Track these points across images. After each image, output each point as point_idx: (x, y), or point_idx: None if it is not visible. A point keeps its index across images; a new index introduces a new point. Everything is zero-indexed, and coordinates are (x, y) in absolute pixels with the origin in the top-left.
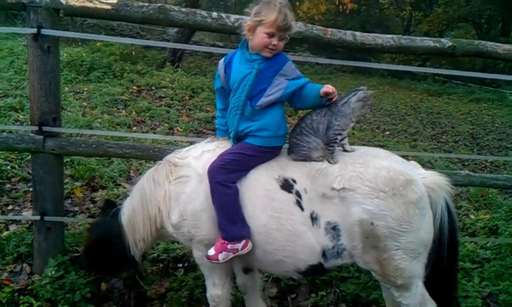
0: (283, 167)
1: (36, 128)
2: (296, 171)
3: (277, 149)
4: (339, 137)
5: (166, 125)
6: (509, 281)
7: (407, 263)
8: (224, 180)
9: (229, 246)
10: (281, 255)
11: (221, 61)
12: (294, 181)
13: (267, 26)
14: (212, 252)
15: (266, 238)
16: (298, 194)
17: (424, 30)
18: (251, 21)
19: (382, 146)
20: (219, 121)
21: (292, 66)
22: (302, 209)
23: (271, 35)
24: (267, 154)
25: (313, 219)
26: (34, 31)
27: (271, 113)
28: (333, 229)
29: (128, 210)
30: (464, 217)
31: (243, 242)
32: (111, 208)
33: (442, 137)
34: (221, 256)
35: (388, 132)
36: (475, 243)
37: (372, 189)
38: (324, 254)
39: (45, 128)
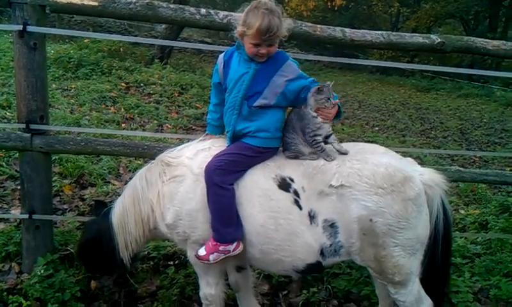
0: (280, 166)
1: (24, 126)
2: (293, 169)
3: (274, 150)
4: (318, 138)
5: (155, 121)
6: (499, 276)
7: (405, 260)
8: (222, 182)
9: (221, 248)
10: (279, 254)
11: (221, 56)
12: (292, 180)
13: (251, 37)
14: (202, 252)
15: (264, 238)
16: (296, 193)
17: (412, 26)
18: (239, 28)
19: (372, 142)
20: (212, 115)
21: (293, 66)
22: (300, 208)
23: (256, 45)
24: (264, 154)
25: (311, 217)
26: (20, 27)
27: (269, 114)
28: (331, 227)
29: (119, 210)
30: (454, 212)
31: (235, 243)
32: (102, 208)
33: (431, 133)
34: (212, 257)
35: (377, 128)
36: (466, 238)
37: (371, 186)
38: (322, 253)
39: (33, 126)
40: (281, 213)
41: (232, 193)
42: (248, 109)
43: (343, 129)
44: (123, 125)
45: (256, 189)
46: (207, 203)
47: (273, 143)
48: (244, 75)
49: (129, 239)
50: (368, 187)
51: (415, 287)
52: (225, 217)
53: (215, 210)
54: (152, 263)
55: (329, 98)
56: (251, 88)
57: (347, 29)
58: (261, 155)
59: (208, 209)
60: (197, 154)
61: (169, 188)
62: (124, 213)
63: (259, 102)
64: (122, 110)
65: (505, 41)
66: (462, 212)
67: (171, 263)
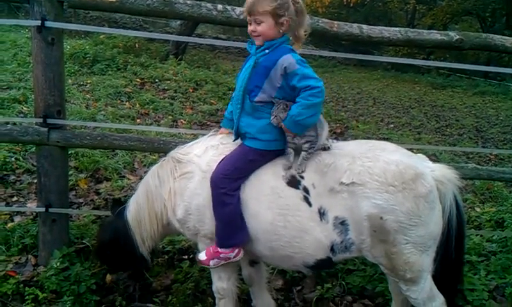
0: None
1: (41, 120)
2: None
3: (279, 151)
4: (310, 150)
5: (170, 117)
6: None
7: (416, 257)
8: (229, 190)
9: (222, 255)
10: (289, 251)
11: None
12: (302, 177)
13: (244, 16)
14: (203, 257)
15: (273, 235)
16: (306, 190)
17: (428, 23)
18: None
19: (386, 139)
20: (229, 108)
21: (290, 60)
22: (310, 205)
23: (249, 23)
24: (269, 157)
25: (321, 214)
26: (38, 23)
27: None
28: (341, 224)
29: (134, 208)
30: (470, 209)
31: (236, 250)
32: (118, 207)
33: (446, 130)
34: (212, 263)
35: (392, 125)
36: (481, 236)
37: (382, 183)
38: (332, 249)
39: (50, 121)
40: (290, 210)
41: (237, 199)
42: (250, 104)
43: (358, 126)
44: (138, 120)
45: (265, 187)
46: (213, 210)
47: (277, 145)
48: (247, 68)
49: (145, 235)
50: (379, 184)
51: (427, 284)
52: (231, 223)
53: (221, 217)
54: (166, 257)
55: (275, 116)
56: (251, 82)
57: (364, 26)
58: (265, 157)
59: (214, 216)
60: (206, 151)
61: (179, 184)
62: (139, 211)
63: (259, 96)
64: (137, 105)
65: None
66: (478, 209)
67: (186, 257)
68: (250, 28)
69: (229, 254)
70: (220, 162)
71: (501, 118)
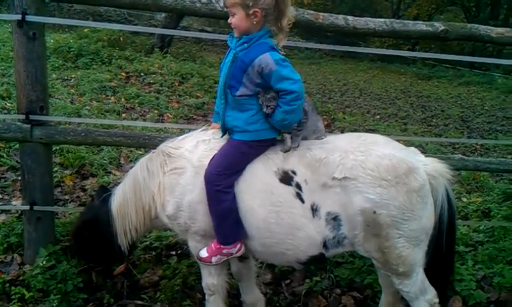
0: (283, 159)
1: (23, 117)
2: (295, 162)
3: (271, 140)
4: (299, 127)
5: (156, 111)
6: (502, 264)
7: (409, 251)
8: (224, 187)
9: (224, 251)
10: (281, 248)
11: None
12: (294, 173)
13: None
14: (204, 254)
15: (266, 232)
16: (298, 186)
17: (413, 14)
18: None
19: (373, 131)
20: (217, 102)
21: (267, 59)
22: (302, 201)
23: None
24: (260, 148)
25: (314, 210)
26: (19, 17)
27: (257, 104)
28: (334, 220)
29: (119, 198)
30: (456, 200)
31: (238, 245)
32: (104, 193)
33: (432, 121)
34: (214, 259)
35: (378, 116)
36: (468, 226)
37: (375, 178)
38: (325, 245)
39: (33, 117)
40: (283, 207)
41: (233, 195)
42: (233, 98)
43: (344, 118)
44: (123, 114)
45: (258, 183)
46: (209, 208)
47: (266, 134)
48: (227, 62)
49: (129, 227)
50: (372, 179)
51: (419, 277)
52: (229, 220)
53: (218, 214)
54: (154, 253)
55: (267, 106)
56: (232, 77)
57: (349, 17)
58: (257, 149)
59: (210, 214)
60: (197, 146)
61: (170, 179)
62: (125, 201)
63: (241, 90)
64: (122, 100)
65: (508, 28)
66: (464, 200)
67: (174, 253)
68: (229, 20)
69: (231, 250)
70: (212, 159)
71: (486, 107)
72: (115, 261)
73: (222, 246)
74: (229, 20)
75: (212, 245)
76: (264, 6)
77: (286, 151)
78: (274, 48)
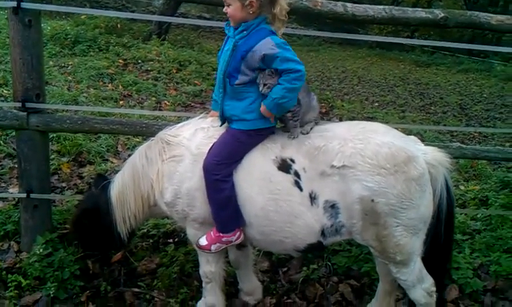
0: (281, 147)
1: (20, 104)
2: (294, 150)
3: (270, 129)
4: (295, 118)
5: (154, 98)
6: (499, 252)
7: (407, 240)
8: (223, 176)
9: (224, 239)
10: (280, 236)
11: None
12: (293, 161)
13: None
14: (204, 242)
15: (264, 220)
16: (297, 174)
17: (413, 1)
18: None
19: (372, 118)
20: (215, 90)
21: (270, 43)
22: (301, 189)
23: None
24: (258, 137)
25: (312, 198)
26: (14, 4)
27: (255, 92)
28: (332, 208)
29: (118, 185)
30: (454, 188)
31: (237, 233)
32: (102, 181)
33: (431, 108)
34: (213, 247)
35: (376, 104)
36: (466, 214)
37: (373, 166)
38: (323, 233)
39: (29, 105)
40: (282, 195)
41: (232, 184)
42: (231, 87)
43: (343, 105)
44: (121, 102)
45: (256, 172)
46: (207, 197)
47: (266, 123)
48: (226, 51)
49: (128, 215)
50: (370, 167)
51: (417, 266)
52: (228, 208)
53: (217, 203)
54: (151, 240)
55: (264, 84)
56: (231, 65)
57: (348, 4)
58: (255, 138)
59: (209, 203)
60: (195, 134)
61: (168, 167)
62: (124, 189)
63: (239, 79)
64: (120, 87)
65: (508, 15)
66: (462, 188)
67: (171, 240)
68: (224, 9)
69: (231, 238)
70: (211, 148)
71: (484, 95)
72: (114, 249)
73: (221, 234)
74: (224, 10)
75: (212, 233)
76: None
77: (293, 137)
78: (274, 32)
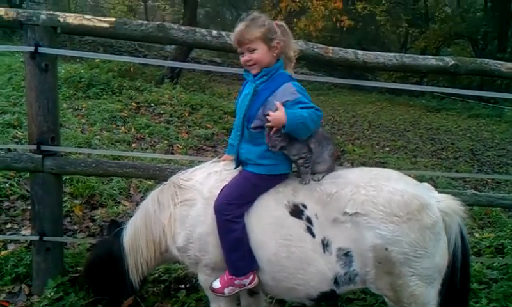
0: (293, 192)
1: (35, 147)
2: (306, 195)
3: (284, 176)
4: (305, 164)
5: (166, 141)
6: None
7: (422, 289)
8: (234, 216)
9: (236, 281)
10: (292, 282)
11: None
12: (305, 207)
13: (236, 48)
14: (217, 285)
15: (277, 266)
16: (309, 220)
17: (421, 47)
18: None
19: (383, 163)
20: (232, 135)
21: (291, 89)
22: (313, 235)
23: (240, 54)
24: (272, 182)
25: (325, 245)
26: (32, 49)
27: None
28: (345, 256)
29: (131, 231)
30: (469, 235)
31: (250, 277)
32: (115, 227)
33: (442, 153)
34: (227, 290)
35: (388, 149)
36: (482, 263)
37: (386, 214)
38: (336, 281)
39: (44, 147)
40: (294, 241)
41: (243, 225)
42: (248, 132)
43: (354, 150)
44: (133, 144)
45: (268, 216)
46: (219, 238)
47: (280, 169)
48: (247, 95)
49: (140, 261)
50: (383, 215)
51: None
52: (239, 250)
53: (228, 244)
54: (162, 286)
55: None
56: (251, 109)
57: (359, 51)
58: (268, 182)
59: (221, 244)
60: (208, 177)
61: (180, 211)
62: (136, 235)
63: (255, 122)
64: (133, 130)
65: None
66: (477, 235)
67: (183, 286)
68: (244, 58)
69: (244, 281)
70: (223, 189)
71: (496, 140)
72: (126, 296)
73: (234, 277)
74: (246, 58)
75: (225, 275)
76: (281, 38)
77: (304, 183)
78: (292, 77)
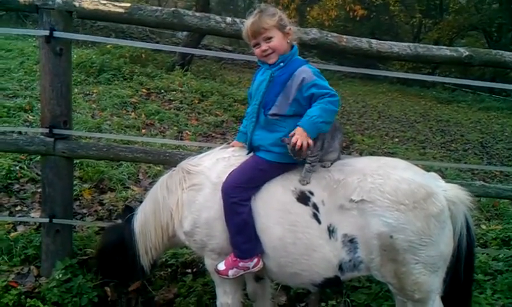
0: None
1: (47, 130)
2: (313, 182)
3: (291, 165)
4: (313, 163)
5: (175, 128)
6: None
7: (425, 277)
8: (240, 199)
9: (241, 264)
10: (296, 268)
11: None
12: (312, 193)
13: (248, 40)
14: (222, 267)
15: (281, 251)
16: (315, 207)
17: (434, 38)
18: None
19: (392, 153)
20: (243, 123)
21: (307, 71)
22: (319, 222)
23: (255, 45)
24: (281, 169)
25: (330, 231)
26: (47, 33)
27: (288, 126)
28: (350, 242)
29: (141, 217)
30: (475, 227)
31: (255, 260)
32: (129, 212)
33: (451, 145)
34: (231, 272)
35: (397, 139)
36: (488, 254)
37: (392, 202)
38: (340, 267)
39: (56, 131)
40: (300, 227)
41: (249, 208)
42: (265, 118)
43: (363, 140)
44: (143, 130)
45: (275, 202)
46: (225, 220)
47: (290, 158)
48: (263, 82)
49: (149, 246)
50: (389, 202)
51: (436, 305)
52: (244, 233)
53: (234, 227)
54: (169, 270)
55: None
56: (267, 95)
57: (373, 41)
58: (277, 169)
59: (226, 226)
60: (216, 163)
61: (187, 196)
62: (146, 220)
63: (273, 109)
64: (143, 116)
65: None
66: (483, 227)
67: (189, 271)
68: (261, 48)
69: (248, 264)
70: (231, 172)
71: (506, 133)
72: (136, 279)
73: (238, 259)
74: (263, 48)
75: (230, 258)
76: (291, 25)
77: (303, 183)
78: (307, 61)
